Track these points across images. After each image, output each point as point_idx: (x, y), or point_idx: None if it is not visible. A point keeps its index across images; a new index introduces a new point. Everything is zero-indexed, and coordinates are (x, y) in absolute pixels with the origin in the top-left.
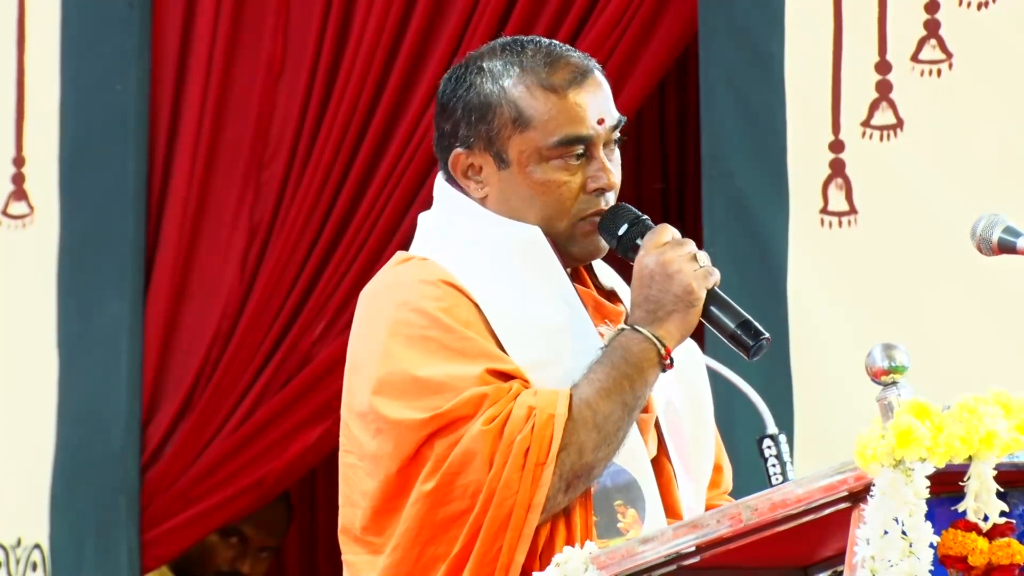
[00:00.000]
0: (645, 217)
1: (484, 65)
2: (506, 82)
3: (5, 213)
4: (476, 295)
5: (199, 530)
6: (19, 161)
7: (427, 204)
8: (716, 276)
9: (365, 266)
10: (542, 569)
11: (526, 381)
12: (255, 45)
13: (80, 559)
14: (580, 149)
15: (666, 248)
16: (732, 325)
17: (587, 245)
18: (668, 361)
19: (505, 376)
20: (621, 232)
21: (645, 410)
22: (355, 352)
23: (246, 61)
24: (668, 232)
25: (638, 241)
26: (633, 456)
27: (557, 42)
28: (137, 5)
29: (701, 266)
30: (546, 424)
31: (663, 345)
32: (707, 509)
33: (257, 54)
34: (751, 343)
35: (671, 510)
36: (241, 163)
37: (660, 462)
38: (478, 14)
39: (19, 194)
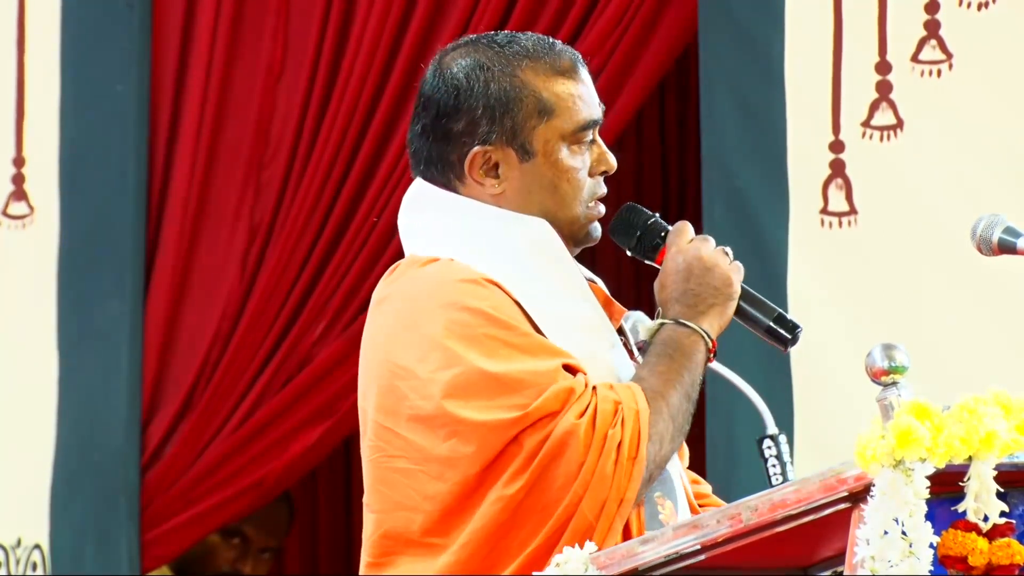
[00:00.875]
0: (657, 215)
1: (481, 61)
2: (521, 73)
3: (5, 213)
4: (514, 293)
5: (199, 530)
6: (19, 161)
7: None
8: (742, 270)
9: (365, 266)
10: None
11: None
12: (255, 46)
13: (80, 559)
14: (593, 133)
15: (697, 244)
16: (768, 320)
17: (592, 230)
18: (713, 354)
19: (574, 371)
20: (639, 231)
21: None
22: (398, 356)
23: (246, 61)
24: (690, 229)
25: (657, 241)
26: None
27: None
28: (137, 5)
29: (733, 260)
30: (634, 418)
31: (710, 337)
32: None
33: (257, 55)
34: (788, 336)
35: (688, 502)
36: (241, 163)
37: None
38: (478, 14)
39: (19, 194)
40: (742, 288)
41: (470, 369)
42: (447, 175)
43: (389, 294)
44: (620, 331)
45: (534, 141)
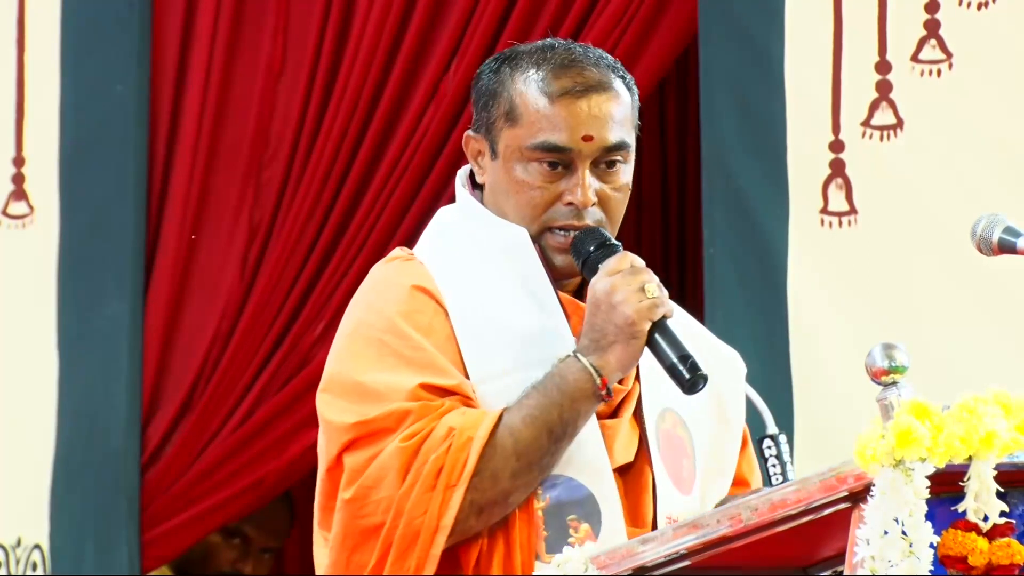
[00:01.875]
0: (614, 242)
1: (510, 57)
2: (516, 77)
3: (5, 213)
4: (448, 301)
5: (199, 530)
6: (19, 161)
7: (427, 204)
8: (665, 309)
9: (365, 266)
10: None
11: (466, 398)
12: (255, 45)
13: (80, 559)
14: (556, 158)
15: (617, 277)
16: (673, 357)
17: (557, 259)
18: (605, 392)
19: (443, 391)
20: (586, 255)
21: (614, 415)
22: (332, 347)
23: (246, 61)
24: (627, 260)
25: (600, 265)
26: (592, 469)
27: (589, 52)
28: (137, 5)
29: (649, 298)
30: (463, 446)
31: (599, 375)
32: None
33: (257, 54)
34: (687, 376)
35: (640, 520)
36: (241, 163)
37: (639, 469)
38: (478, 14)
39: (19, 194)
40: (663, 324)
41: (347, 369)
42: None
43: (360, 287)
44: None
45: (499, 142)
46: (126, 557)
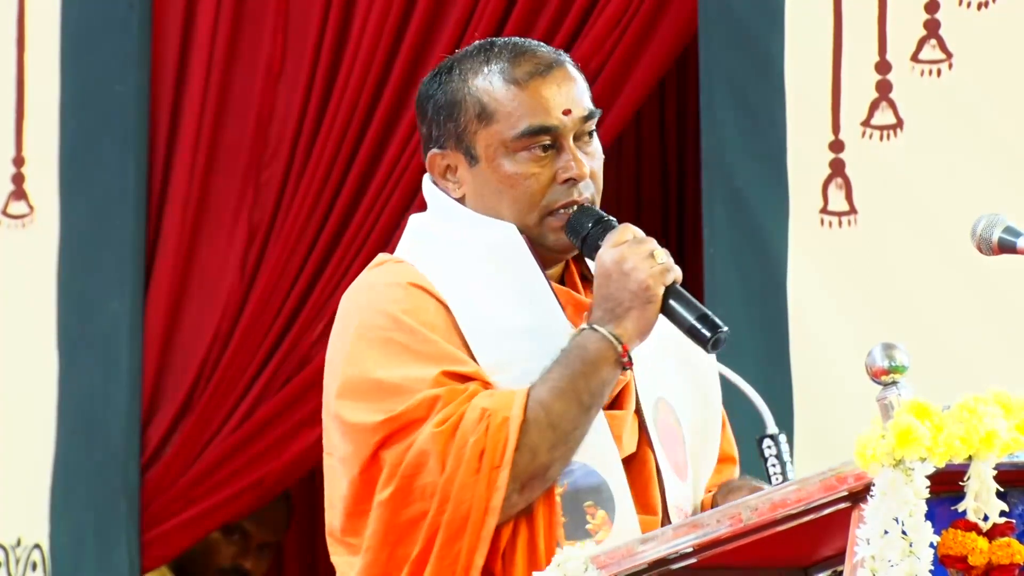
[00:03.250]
0: (610, 218)
1: (454, 65)
2: (471, 78)
3: (5, 213)
4: (446, 297)
5: (199, 530)
6: (19, 161)
7: (427, 204)
8: (675, 273)
9: (364, 266)
10: (505, 570)
11: (486, 383)
12: (255, 45)
13: (80, 559)
14: (546, 140)
15: (624, 246)
16: (691, 318)
17: (560, 239)
18: (626, 359)
19: (463, 378)
20: (584, 233)
21: (618, 407)
22: (328, 354)
23: (246, 61)
24: (629, 231)
25: (600, 241)
26: (603, 457)
27: (528, 39)
28: (137, 5)
29: (659, 263)
30: (501, 426)
31: (619, 343)
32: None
33: (257, 54)
34: (708, 334)
35: (650, 508)
36: (241, 163)
37: (642, 459)
38: (478, 14)
39: (19, 194)
40: (675, 288)
41: (361, 371)
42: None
43: (345, 294)
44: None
45: (477, 146)
46: (126, 557)
